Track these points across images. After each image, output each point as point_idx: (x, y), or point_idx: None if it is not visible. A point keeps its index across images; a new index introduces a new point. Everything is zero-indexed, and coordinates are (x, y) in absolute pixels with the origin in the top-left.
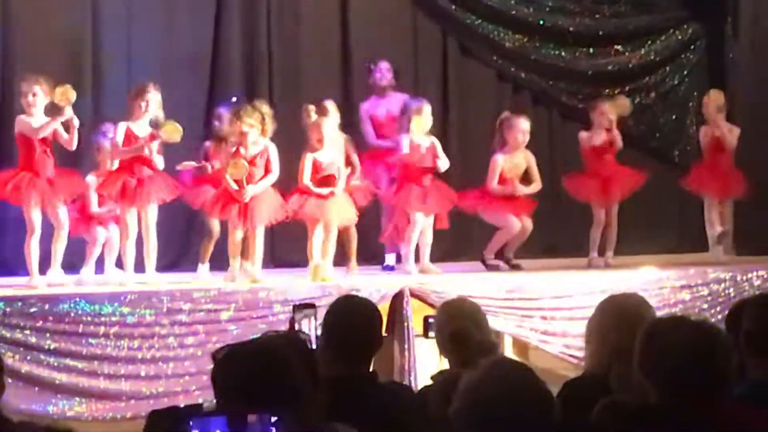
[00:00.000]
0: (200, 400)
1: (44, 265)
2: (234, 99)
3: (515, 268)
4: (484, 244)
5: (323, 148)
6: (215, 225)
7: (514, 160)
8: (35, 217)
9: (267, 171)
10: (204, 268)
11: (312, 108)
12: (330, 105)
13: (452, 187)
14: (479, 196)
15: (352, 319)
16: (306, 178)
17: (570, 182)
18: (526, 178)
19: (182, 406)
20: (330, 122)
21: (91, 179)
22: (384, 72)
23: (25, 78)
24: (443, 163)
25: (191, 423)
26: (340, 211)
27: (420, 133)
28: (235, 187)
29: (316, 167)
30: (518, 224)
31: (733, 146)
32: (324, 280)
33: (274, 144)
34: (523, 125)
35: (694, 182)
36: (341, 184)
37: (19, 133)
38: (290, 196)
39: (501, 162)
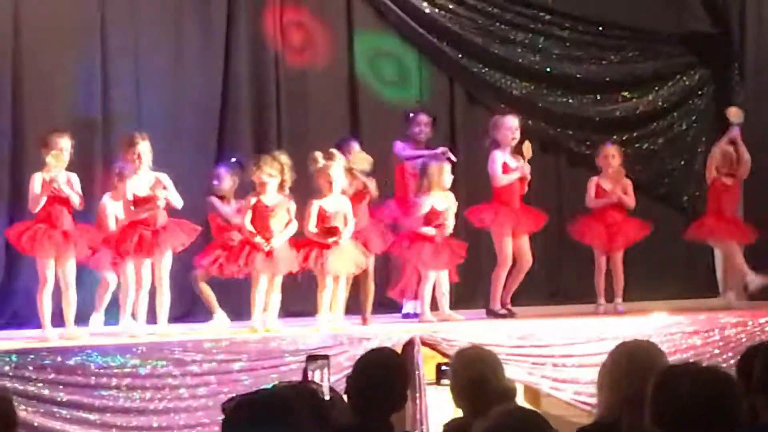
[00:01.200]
0: None
1: (56, 317)
2: (233, 159)
3: (509, 315)
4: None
5: (332, 194)
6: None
7: (510, 159)
8: (48, 269)
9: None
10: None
11: (319, 154)
12: (337, 152)
13: (460, 236)
14: (486, 210)
15: (373, 372)
16: (311, 226)
17: (575, 226)
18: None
19: None
20: (338, 167)
21: (108, 201)
22: (422, 126)
23: (57, 131)
24: (449, 225)
25: None
26: (346, 261)
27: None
28: (258, 239)
29: (322, 216)
30: (509, 254)
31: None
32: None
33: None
34: (510, 122)
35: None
36: (347, 233)
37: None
38: (299, 247)
39: (501, 156)
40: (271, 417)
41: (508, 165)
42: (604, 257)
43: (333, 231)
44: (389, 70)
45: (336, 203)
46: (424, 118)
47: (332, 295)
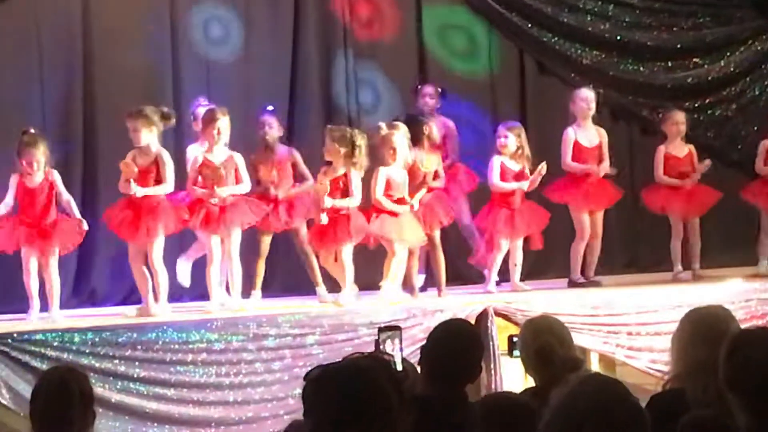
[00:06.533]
0: None
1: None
2: (270, 107)
3: (593, 284)
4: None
5: (396, 162)
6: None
7: (585, 134)
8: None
9: (347, 194)
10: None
11: (382, 124)
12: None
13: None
14: (563, 186)
15: (448, 343)
16: (379, 193)
17: (648, 195)
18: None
19: None
20: (401, 136)
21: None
22: (428, 98)
23: (130, 113)
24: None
25: None
26: (413, 231)
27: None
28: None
29: (390, 184)
30: (588, 227)
31: None
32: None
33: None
34: (583, 94)
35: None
36: (415, 203)
37: None
38: (368, 216)
39: (571, 134)
40: (357, 386)
41: (580, 143)
42: (680, 223)
43: (400, 202)
44: (458, 43)
45: (401, 172)
46: (429, 89)
47: (398, 264)
